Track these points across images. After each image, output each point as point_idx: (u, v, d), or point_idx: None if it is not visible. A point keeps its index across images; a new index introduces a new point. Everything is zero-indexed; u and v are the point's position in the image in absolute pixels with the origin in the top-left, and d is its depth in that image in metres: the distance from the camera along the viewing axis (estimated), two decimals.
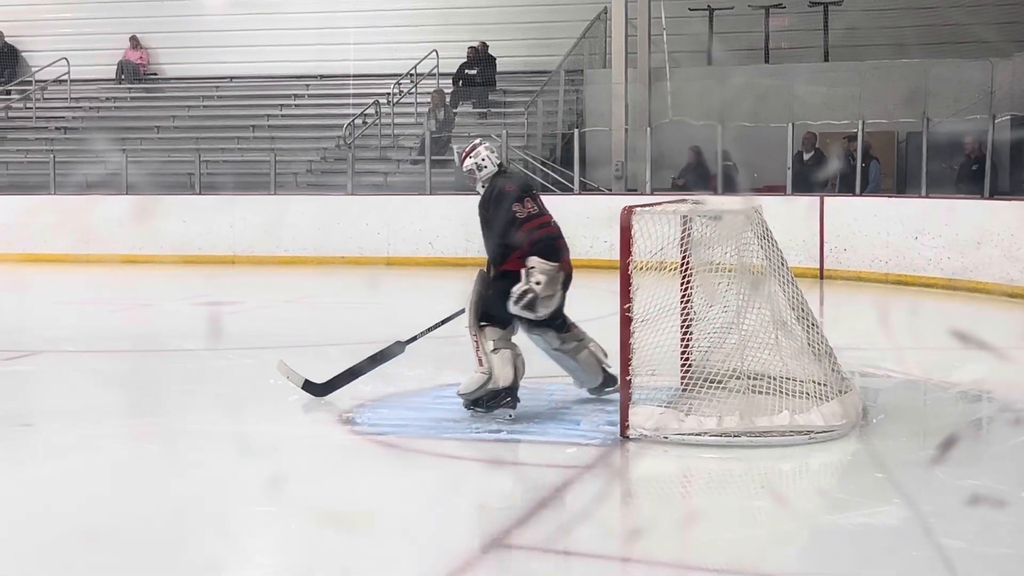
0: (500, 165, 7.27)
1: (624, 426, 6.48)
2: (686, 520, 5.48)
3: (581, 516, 5.50)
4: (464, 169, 7.29)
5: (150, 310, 12.71)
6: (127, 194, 17.46)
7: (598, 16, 19.33)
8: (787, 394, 6.59)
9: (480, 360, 6.93)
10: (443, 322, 7.45)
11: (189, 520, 5.41)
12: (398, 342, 7.59)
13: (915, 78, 16.79)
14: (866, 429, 6.72)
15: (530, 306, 6.83)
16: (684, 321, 7.09)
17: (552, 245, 6.95)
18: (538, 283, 6.81)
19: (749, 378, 6.70)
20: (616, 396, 6.75)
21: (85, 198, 17.52)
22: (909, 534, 5.09)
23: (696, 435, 6.38)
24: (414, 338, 7.55)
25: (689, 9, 18.89)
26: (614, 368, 7.03)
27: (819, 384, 6.75)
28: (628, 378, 6.52)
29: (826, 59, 18.25)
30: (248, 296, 13.39)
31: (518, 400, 7.01)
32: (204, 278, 15.15)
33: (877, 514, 5.31)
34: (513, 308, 6.84)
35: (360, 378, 7.56)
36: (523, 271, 6.85)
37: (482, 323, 6.96)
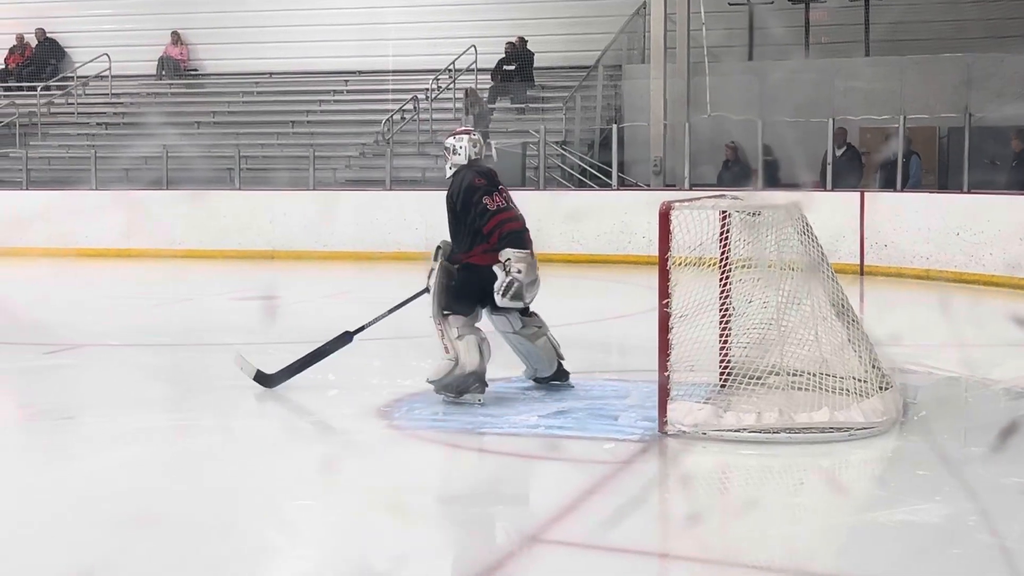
0: (472, 160, 7.42)
1: (662, 422, 6.47)
2: (725, 516, 5.46)
3: (619, 512, 5.49)
4: (445, 145, 7.53)
5: (190, 304, 12.79)
6: (168, 189, 17.59)
7: (637, 11, 19.29)
8: (827, 390, 6.56)
9: (446, 348, 7.11)
10: (395, 308, 7.59)
11: (237, 509, 5.45)
12: (346, 332, 7.73)
13: (957, 72, 16.64)
14: (907, 426, 6.68)
15: (517, 295, 7.09)
16: (723, 317, 7.06)
17: (521, 237, 7.18)
18: (519, 271, 7.07)
19: (788, 374, 6.67)
20: (654, 392, 6.73)
21: (125, 193, 17.64)
22: (952, 531, 5.05)
23: (735, 431, 6.35)
24: (363, 327, 7.67)
25: (729, 3, 18.80)
26: (567, 364, 7.41)
27: (859, 380, 6.71)
28: (667, 374, 6.50)
29: (867, 53, 18.12)
30: (287, 291, 13.43)
31: (486, 384, 7.18)
32: (244, 273, 15.23)
33: (919, 511, 5.27)
34: (502, 301, 7.08)
35: (304, 370, 7.65)
36: (499, 265, 7.09)
37: (445, 312, 7.15)
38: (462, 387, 7.15)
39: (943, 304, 11.96)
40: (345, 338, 7.74)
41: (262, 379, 7.66)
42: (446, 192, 7.39)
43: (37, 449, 6.75)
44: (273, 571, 4.85)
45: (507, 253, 7.09)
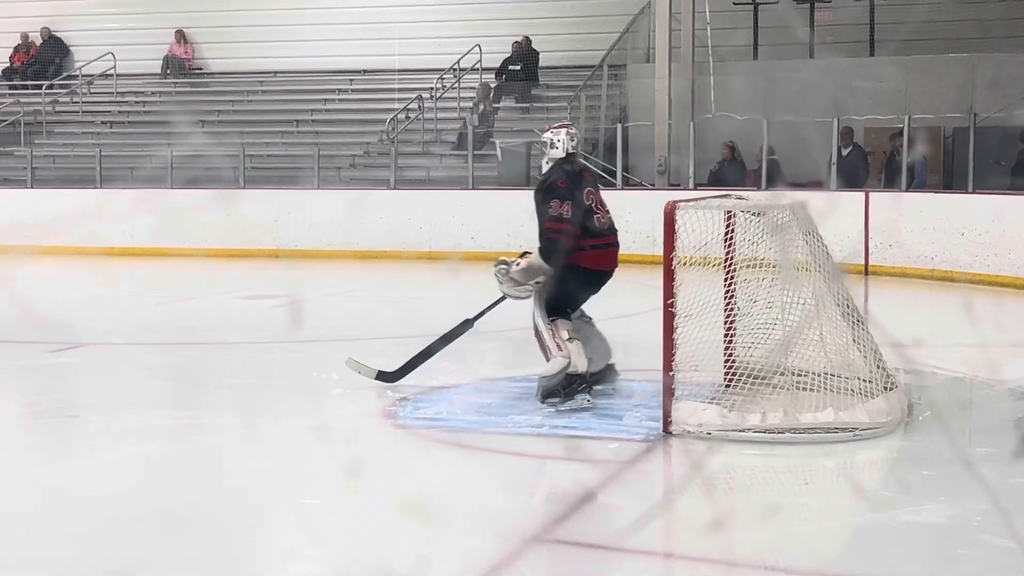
0: (569, 153, 7.33)
1: (667, 422, 6.46)
2: (729, 516, 5.45)
3: (623, 511, 5.49)
4: (540, 139, 7.49)
5: (194, 303, 12.79)
6: (172, 188, 17.60)
7: (641, 10, 19.25)
8: (832, 391, 6.55)
9: (559, 345, 7.06)
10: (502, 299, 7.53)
11: (242, 508, 5.45)
12: (467, 319, 7.67)
13: (962, 72, 16.60)
14: (912, 426, 6.67)
15: (498, 277, 7.25)
16: (727, 317, 7.06)
17: (557, 250, 7.06)
18: (517, 266, 7.19)
19: (793, 374, 6.66)
20: (659, 392, 6.72)
21: (130, 192, 17.64)
22: (958, 531, 5.04)
23: (739, 431, 6.35)
24: (481, 313, 7.62)
25: (733, 3, 18.77)
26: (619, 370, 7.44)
27: (864, 381, 6.70)
28: (671, 374, 6.50)
29: (871, 53, 18.09)
30: (291, 290, 13.44)
31: (591, 386, 7.14)
32: (247, 272, 15.24)
33: (924, 511, 5.27)
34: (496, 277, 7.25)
35: (425, 360, 7.62)
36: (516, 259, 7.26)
37: (552, 317, 7.13)
38: (570, 390, 7.07)
39: (948, 304, 11.95)
40: (466, 325, 7.68)
41: (384, 377, 7.59)
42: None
43: (41, 447, 6.75)
44: (281, 570, 4.85)
45: (532, 255, 7.15)
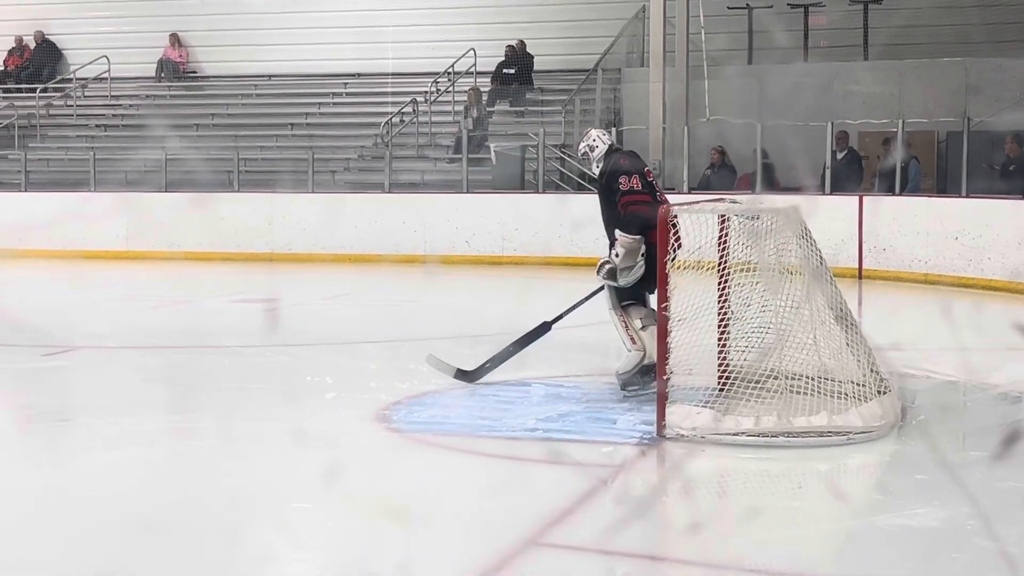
0: (611, 144, 7.56)
1: (661, 425, 6.46)
2: (723, 521, 5.45)
3: (617, 516, 5.49)
4: (579, 154, 7.72)
5: (189, 307, 12.78)
6: (167, 191, 17.59)
7: (636, 14, 19.29)
8: (825, 394, 6.55)
9: (632, 339, 7.23)
10: (587, 299, 7.61)
11: (234, 512, 5.43)
12: (544, 323, 7.72)
13: (956, 77, 16.64)
14: (905, 430, 6.67)
15: (611, 276, 7.23)
16: (721, 321, 7.07)
17: (642, 220, 7.10)
18: (617, 255, 7.19)
19: (787, 378, 6.66)
20: (653, 396, 6.73)
21: (124, 195, 17.63)
22: (951, 535, 5.04)
23: (733, 435, 6.35)
24: (559, 316, 7.69)
25: (728, 7, 18.80)
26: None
27: (858, 385, 6.70)
28: (665, 377, 6.50)
29: (866, 58, 18.13)
30: (286, 293, 13.43)
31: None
32: (242, 276, 15.23)
33: (917, 515, 5.26)
34: (597, 275, 7.28)
35: (504, 362, 7.65)
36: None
37: (624, 304, 7.28)
38: (648, 378, 7.16)
39: (942, 308, 11.96)
40: (544, 328, 7.74)
41: (463, 376, 7.65)
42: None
43: (34, 451, 6.73)
44: (265, 570, 4.84)
45: (618, 234, 7.20)
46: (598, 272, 7.28)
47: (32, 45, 23.04)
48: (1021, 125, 14.22)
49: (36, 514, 5.41)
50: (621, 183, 7.23)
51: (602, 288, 7.43)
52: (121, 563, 4.78)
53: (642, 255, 7.19)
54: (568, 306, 7.66)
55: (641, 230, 7.13)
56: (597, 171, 7.51)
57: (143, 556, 4.87)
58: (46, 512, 5.43)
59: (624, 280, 7.26)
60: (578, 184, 17.17)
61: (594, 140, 7.55)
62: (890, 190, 14.67)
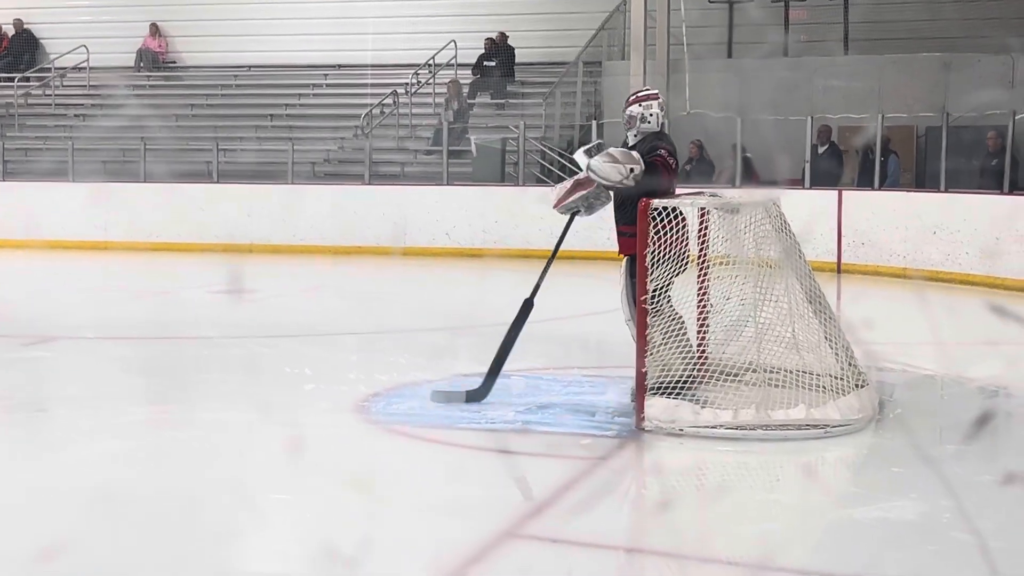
0: (662, 127, 6.99)
1: (639, 418, 6.47)
2: (701, 513, 5.47)
3: (595, 507, 5.49)
4: (625, 113, 7.00)
5: (167, 298, 12.73)
6: (145, 182, 17.52)
7: (617, 7, 19.28)
8: (803, 387, 6.57)
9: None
10: (557, 246, 7.21)
11: (211, 502, 5.43)
12: (526, 300, 7.23)
13: (935, 72, 16.68)
14: (882, 423, 6.70)
15: (588, 153, 6.75)
16: (700, 313, 7.08)
17: (657, 180, 6.66)
18: (596, 169, 6.64)
19: (765, 371, 6.69)
20: (632, 388, 6.73)
21: (102, 185, 17.53)
22: (928, 527, 5.07)
23: (711, 428, 6.36)
24: (537, 286, 7.21)
25: (708, 1, 18.82)
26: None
27: (836, 378, 6.73)
28: (644, 370, 6.50)
29: (845, 52, 18.16)
30: (265, 285, 13.39)
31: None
32: (221, 266, 15.17)
33: (894, 508, 5.29)
34: (575, 155, 6.84)
35: (505, 360, 7.23)
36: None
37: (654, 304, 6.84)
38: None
39: (918, 303, 12.00)
40: (528, 306, 7.18)
41: (473, 396, 7.07)
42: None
43: (9, 441, 6.71)
44: (250, 564, 4.84)
45: (631, 156, 6.67)
46: (584, 149, 6.82)
47: (11, 34, 22.89)
48: (1000, 121, 14.26)
49: (13, 505, 5.39)
50: (662, 152, 6.78)
51: (571, 222, 7.00)
52: (97, 552, 4.77)
53: (624, 182, 6.64)
54: (540, 273, 7.20)
55: (649, 185, 6.67)
56: (633, 140, 6.98)
57: (119, 545, 4.85)
58: (22, 502, 5.41)
59: (586, 208, 6.88)
60: (559, 177, 17.15)
61: (651, 115, 6.88)
62: (869, 184, 14.72)
